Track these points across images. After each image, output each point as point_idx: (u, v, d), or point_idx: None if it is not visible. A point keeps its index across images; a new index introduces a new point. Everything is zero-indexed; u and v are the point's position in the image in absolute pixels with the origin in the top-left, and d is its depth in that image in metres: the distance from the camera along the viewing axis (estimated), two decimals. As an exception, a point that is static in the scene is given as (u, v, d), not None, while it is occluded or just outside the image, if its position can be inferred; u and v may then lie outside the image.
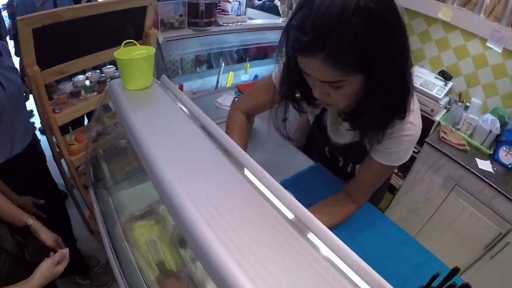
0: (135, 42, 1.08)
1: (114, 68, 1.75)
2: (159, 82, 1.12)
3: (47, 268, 1.06)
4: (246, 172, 0.69)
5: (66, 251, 1.15)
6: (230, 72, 2.47)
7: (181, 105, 0.97)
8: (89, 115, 2.01)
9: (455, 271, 0.67)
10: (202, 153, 0.76)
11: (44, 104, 1.39)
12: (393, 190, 2.48)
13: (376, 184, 1.03)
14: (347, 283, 0.50)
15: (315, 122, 1.13)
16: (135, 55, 1.02)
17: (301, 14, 0.67)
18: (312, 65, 0.69)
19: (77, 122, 2.32)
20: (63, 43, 1.39)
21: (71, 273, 1.97)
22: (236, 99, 1.78)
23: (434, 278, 0.71)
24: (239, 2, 2.55)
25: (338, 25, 0.61)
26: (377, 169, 0.96)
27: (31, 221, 1.21)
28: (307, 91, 0.83)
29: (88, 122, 2.65)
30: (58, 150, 1.62)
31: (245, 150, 1.07)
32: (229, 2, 2.52)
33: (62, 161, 1.70)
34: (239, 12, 2.58)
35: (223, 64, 2.50)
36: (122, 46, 1.05)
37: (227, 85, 2.41)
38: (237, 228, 0.56)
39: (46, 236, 1.22)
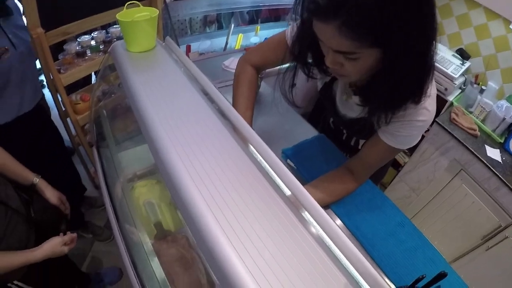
0: (138, 3, 1.04)
1: (118, 28, 1.71)
2: (163, 43, 1.10)
3: (56, 244, 1.09)
4: (246, 143, 0.68)
5: (75, 235, 1.18)
6: (240, 34, 2.40)
7: (184, 68, 0.95)
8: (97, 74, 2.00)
9: (441, 276, 0.65)
10: (200, 120, 0.75)
11: (49, 65, 1.38)
12: (397, 166, 2.44)
13: (380, 164, 1.01)
14: (332, 264, 0.50)
15: (323, 88, 1.08)
16: (137, 17, 0.99)
17: None
18: (327, 32, 0.65)
19: (86, 82, 2.32)
20: (66, 4, 1.35)
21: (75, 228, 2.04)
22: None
23: (418, 280, 0.70)
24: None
25: None
26: (384, 149, 0.93)
27: (37, 179, 1.23)
28: (320, 56, 0.79)
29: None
30: (64, 109, 1.62)
31: (252, 109, 1.06)
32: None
33: (68, 120, 1.70)
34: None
35: (232, 25, 2.41)
36: (124, 8, 1.01)
37: (236, 47, 2.34)
38: (229, 202, 0.55)
39: (51, 194, 1.25)
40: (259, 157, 0.64)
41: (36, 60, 1.44)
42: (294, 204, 0.57)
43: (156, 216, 1.17)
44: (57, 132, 1.76)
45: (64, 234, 1.15)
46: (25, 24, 1.35)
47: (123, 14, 0.99)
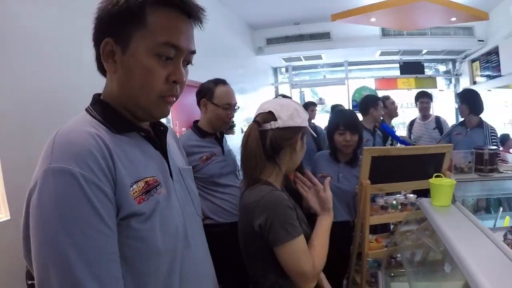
0: (441, 174, 1.60)
1: (413, 196, 2.29)
2: (454, 204, 1.56)
3: None
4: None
5: None
6: (507, 217, 2.52)
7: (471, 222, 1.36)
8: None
9: None
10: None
11: (366, 207, 2.07)
12: None
13: None
14: None
15: None
16: (443, 182, 1.53)
17: None
18: None
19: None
20: (386, 170, 2.07)
21: None
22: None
23: None
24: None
25: None
26: None
27: None
28: None
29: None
30: (361, 242, 2.24)
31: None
32: (510, 153, 2.70)
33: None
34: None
35: (501, 209, 2.59)
36: (433, 176, 1.59)
37: (504, 225, 2.46)
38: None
39: None
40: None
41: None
42: None
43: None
44: None
45: None
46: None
47: (433, 180, 1.56)
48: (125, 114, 0.78)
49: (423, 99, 4.18)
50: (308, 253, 1.14)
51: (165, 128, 0.90)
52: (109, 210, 0.66)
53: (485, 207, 3.44)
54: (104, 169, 0.66)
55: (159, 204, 0.75)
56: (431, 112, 4.31)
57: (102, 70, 0.80)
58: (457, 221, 1.39)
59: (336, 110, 2.75)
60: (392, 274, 1.99)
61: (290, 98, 2.06)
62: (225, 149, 2.09)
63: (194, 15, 0.77)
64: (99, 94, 0.81)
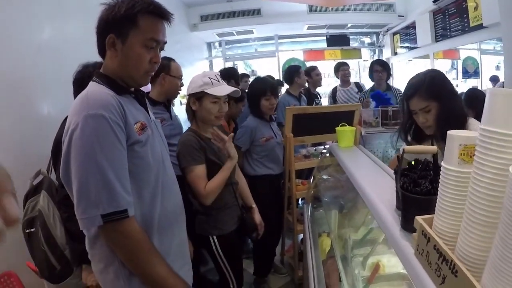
0: (346, 124, 2.11)
1: (323, 146, 2.84)
2: (357, 146, 2.10)
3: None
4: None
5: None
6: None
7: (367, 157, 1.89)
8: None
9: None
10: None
11: (291, 156, 2.56)
12: None
13: None
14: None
15: None
16: (346, 128, 2.05)
17: None
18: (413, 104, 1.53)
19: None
20: (304, 125, 2.56)
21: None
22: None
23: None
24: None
25: None
26: None
27: (254, 205, 2.04)
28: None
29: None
30: (290, 186, 2.74)
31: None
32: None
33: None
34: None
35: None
36: (339, 125, 2.10)
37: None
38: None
39: (258, 218, 2.01)
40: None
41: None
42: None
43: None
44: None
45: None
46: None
47: (339, 127, 2.07)
48: (120, 83, 1.16)
49: (344, 67, 4.64)
50: (202, 178, 1.68)
51: (143, 93, 1.30)
52: (124, 139, 1.06)
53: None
54: (120, 113, 1.06)
55: (149, 137, 1.17)
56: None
57: (102, 53, 1.16)
58: (357, 156, 1.91)
59: (259, 78, 3.10)
60: (315, 205, 2.53)
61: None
62: (172, 115, 2.44)
63: (167, 18, 1.16)
64: (98, 71, 1.17)
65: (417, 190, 0.82)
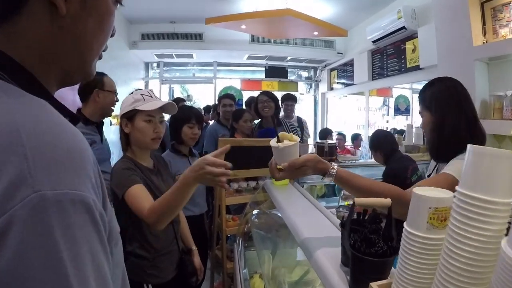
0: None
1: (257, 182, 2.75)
2: (292, 184, 2.03)
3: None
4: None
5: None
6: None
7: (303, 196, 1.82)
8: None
9: None
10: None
11: (222, 190, 2.41)
12: None
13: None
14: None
15: None
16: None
17: None
18: None
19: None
20: (237, 158, 2.40)
21: None
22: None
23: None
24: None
25: None
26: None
27: (195, 248, 1.88)
28: None
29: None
30: (220, 221, 2.57)
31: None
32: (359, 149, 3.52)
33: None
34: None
35: (342, 192, 3.37)
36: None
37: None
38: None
39: (198, 261, 1.84)
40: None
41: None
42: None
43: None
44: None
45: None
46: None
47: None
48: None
49: (288, 102, 4.62)
50: (142, 197, 1.36)
51: None
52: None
53: (331, 191, 4.23)
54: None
55: None
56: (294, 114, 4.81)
57: None
58: (292, 195, 1.83)
59: (184, 105, 2.93)
60: (246, 245, 2.38)
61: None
62: (103, 138, 2.21)
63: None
64: None
65: (371, 251, 0.72)
